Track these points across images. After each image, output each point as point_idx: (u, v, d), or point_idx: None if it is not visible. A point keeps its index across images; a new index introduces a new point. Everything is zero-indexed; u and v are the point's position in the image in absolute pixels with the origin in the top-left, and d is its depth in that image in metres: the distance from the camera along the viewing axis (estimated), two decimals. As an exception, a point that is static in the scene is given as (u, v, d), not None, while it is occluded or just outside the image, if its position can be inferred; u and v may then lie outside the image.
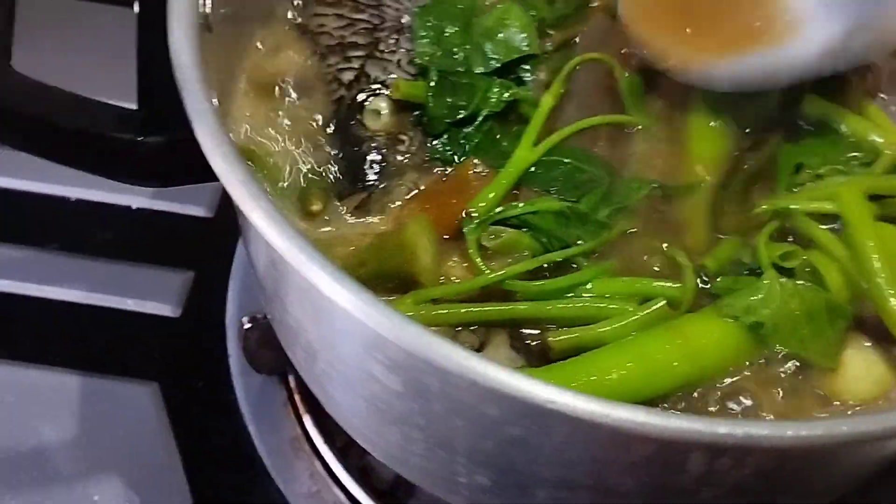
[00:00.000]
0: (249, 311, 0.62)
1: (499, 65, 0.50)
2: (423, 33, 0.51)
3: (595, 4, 0.55)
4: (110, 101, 0.36)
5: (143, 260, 0.67)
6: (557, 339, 0.43)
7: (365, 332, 0.36)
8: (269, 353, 0.62)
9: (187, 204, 0.70)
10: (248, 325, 0.59)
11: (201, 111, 0.36)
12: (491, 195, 0.47)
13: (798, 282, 0.45)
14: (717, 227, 0.47)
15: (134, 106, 0.37)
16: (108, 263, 0.66)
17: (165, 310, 0.66)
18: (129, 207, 0.69)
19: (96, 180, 0.68)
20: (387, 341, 0.34)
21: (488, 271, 0.45)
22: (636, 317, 0.43)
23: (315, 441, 0.62)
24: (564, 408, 0.31)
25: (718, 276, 0.46)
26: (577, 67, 0.50)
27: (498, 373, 0.31)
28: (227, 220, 0.68)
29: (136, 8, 0.40)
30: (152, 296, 0.66)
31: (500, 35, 0.51)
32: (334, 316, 0.37)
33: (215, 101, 0.38)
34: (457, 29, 0.51)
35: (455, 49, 0.51)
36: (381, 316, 0.33)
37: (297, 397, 0.63)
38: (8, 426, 0.60)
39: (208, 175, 0.37)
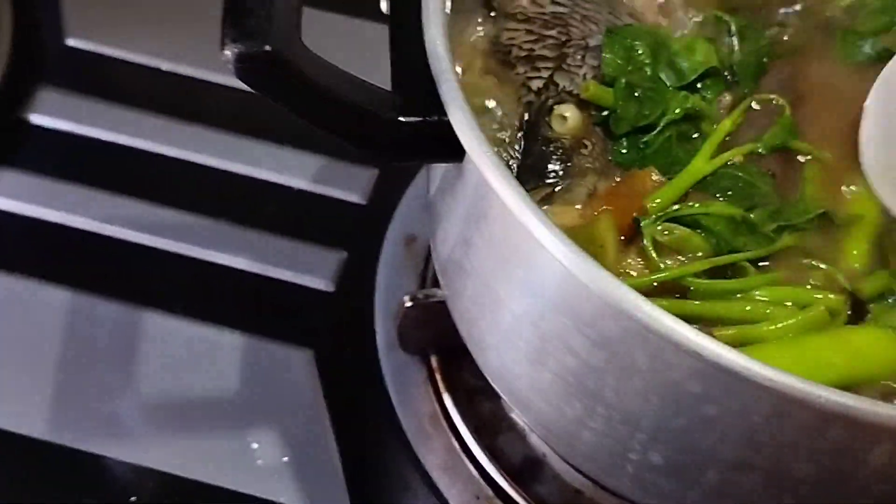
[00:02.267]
0: (406, 291, 0.67)
1: (685, 81, 0.55)
2: (615, 48, 0.56)
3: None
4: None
5: (301, 237, 0.73)
6: (721, 333, 0.47)
7: (583, 306, 0.40)
8: (419, 332, 0.67)
9: (343, 190, 0.75)
10: (409, 304, 0.64)
11: (455, 98, 0.41)
12: (667, 194, 0.51)
13: None
14: (881, 261, 0.51)
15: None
16: (270, 236, 0.72)
17: (321, 284, 0.71)
18: (290, 188, 0.75)
19: (265, 160, 0.76)
20: (605, 316, 0.39)
21: (665, 266, 0.49)
22: (797, 318, 0.47)
23: (453, 419, 0.67)
24: (782, 386, 0.35)
25: (871, 302, 0.50)
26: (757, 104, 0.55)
27: (723, 350, 0.35)
28: (379, 207, 0.74)
29: (385, 8, 0.46)
30: (309, 270, 0.71)
31: (686, 57, 0.55)
32: (553, 289, 0.42)
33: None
34: (647, 48, 0.55)
35: (643, 65, 0.55)
36: (618, 290, 0.37)
37: (437, 376, 0.68)
38: (178, 376, 0.66)
39: (455, 155, 0.41)
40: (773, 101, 0.56)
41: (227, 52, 0.37)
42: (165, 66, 0.79)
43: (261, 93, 0.39)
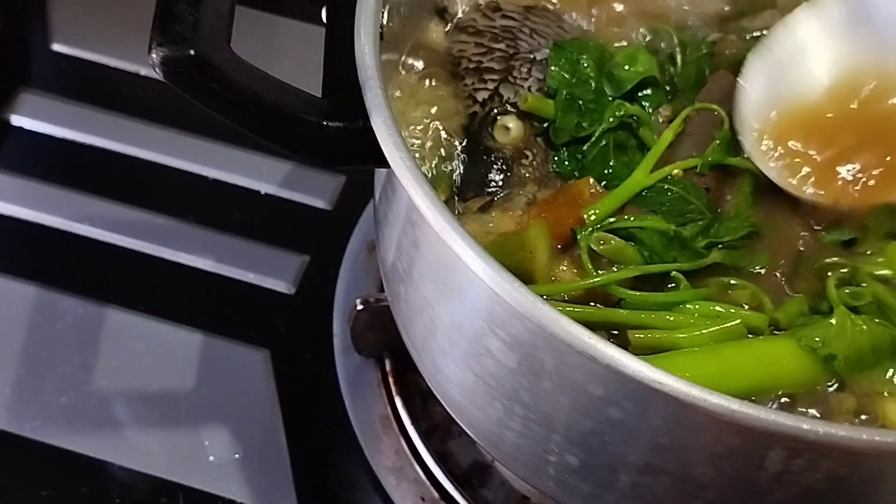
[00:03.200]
0: (360, 296, 0.68)
1: (624, 90, 0.56)
2: (561, 61, 0.57)
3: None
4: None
5: (266, 240, 0.75)
6: (637, 335, 0.48)
7: (494, 309, 0.42)
8: (372, 335, 0.68)
9: (310, 195, 0.77)
10: (360, 307, 0.65)
11: (379, 106, 0.43)
12: (605, 206, 0.53)
13: (865, 317, 0.50)
14: (792, 285, 0.52)
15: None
16: (235, 239, 0.74)
17: (282, 286, 0.73)
18: (258, 192, 0.77)
19: (232, 164, 0.78)
20: (512, 319, 0.40)
21: (597, 275, 0.50)
22: (715, 328, 0.48)
23: (404, 422, 0.68)
24: (669, 389, 0.36)
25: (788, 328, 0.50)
26: (696, 113, 0.56)
27: (615, 353, 0.37)
28: (343, 213, 0.76)
29: (325, 16, 0.47)
30: (271, 273, 0.73)
31: (626, 67, 0.57)
32: (469, 293, 0.43)
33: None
34: (592, 61, 0.57)
35: (588, 78, 0.57)
36: (519, 293, 0.38)
37: (390, 380, 0.69)
38: (137, 371, 0.68)
39: (377, 161, 0.43)
40: (715, 112, 0.57)
41: (153, 56, 0.39)
42: (144, 70, 0.82)
43: (187, 96, 0.40)
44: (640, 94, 0.57)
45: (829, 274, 0.52)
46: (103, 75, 0.83)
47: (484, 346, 0.44)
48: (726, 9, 0.63)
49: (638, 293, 0.50)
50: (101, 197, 0.75)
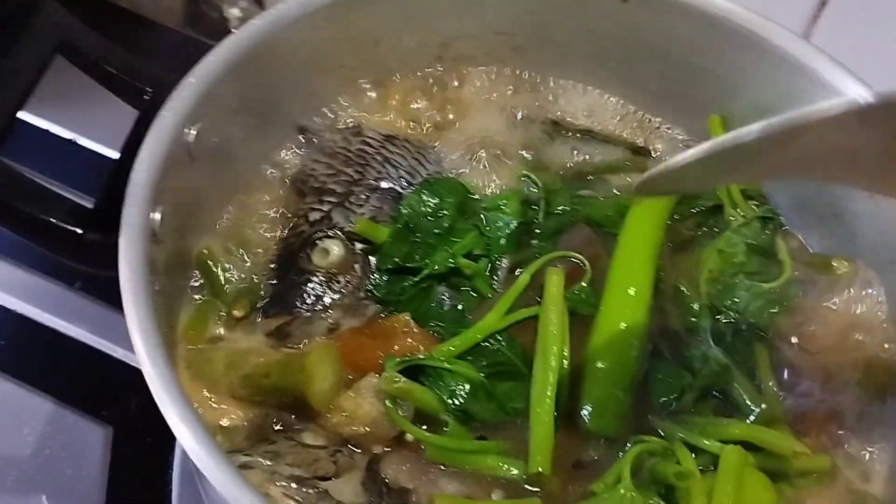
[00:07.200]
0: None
1: (490, 235, 0.58)
2: (423, 193, 0.59)
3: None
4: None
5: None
6: (441, 499, 0.49)
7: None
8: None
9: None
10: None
11: (132, 224, 0.45)
12: (452, 347, 0.54)
13: (651, 500, 0.49)
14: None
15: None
16: (102, 306, 0.75)
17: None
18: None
19: None
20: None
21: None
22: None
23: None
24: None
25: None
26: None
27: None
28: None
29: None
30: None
31: (490, 213, 0.59)
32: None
33: (157, 216, 0.46)
34: (453, 203, 0.59)
35: (444, 217, 0.58)
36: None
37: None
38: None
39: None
40: (579, 262, 0.58)
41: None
42: None
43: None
44: (498, 235, 0.59)
45: (628, 446, 0.52)
46: None
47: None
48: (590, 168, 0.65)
49: (439, 438, 0.51)
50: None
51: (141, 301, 0.42)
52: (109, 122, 0.55)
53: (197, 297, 0.55)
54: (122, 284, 0.43)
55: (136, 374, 0.71)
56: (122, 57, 0.49)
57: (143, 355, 0.42)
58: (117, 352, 0.75)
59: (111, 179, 0.47)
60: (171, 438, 0.68)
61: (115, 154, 0.51)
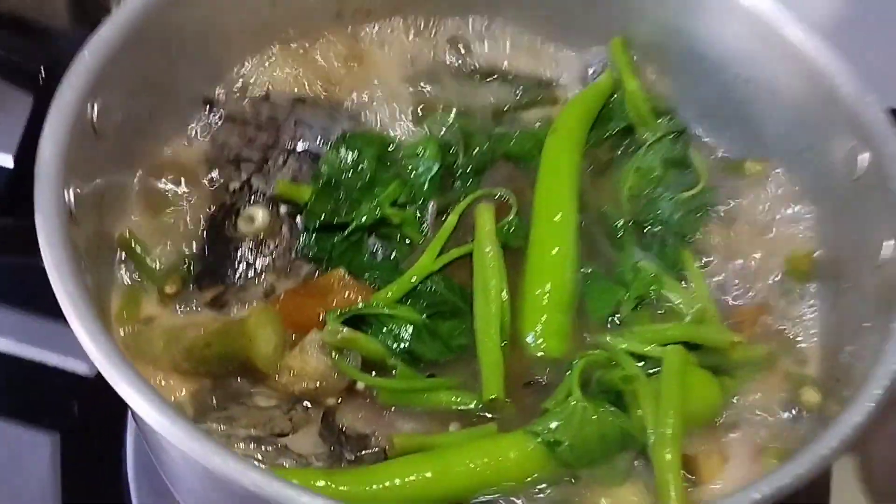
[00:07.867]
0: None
1: (411, 181, 0.58)
2: (341, 149, 0.58)
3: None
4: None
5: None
6: (399, 438, 0.50)
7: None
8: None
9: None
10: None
11: (48, 202, 0.43)
12: (390, 293, 0.54)
13: (602, 407, 0.51)
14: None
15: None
16: (35, 318, 0.74)
17: (81, 368, 0.72)
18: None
19: None
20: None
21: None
22: (463, 432, 0.51)
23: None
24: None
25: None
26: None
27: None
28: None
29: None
30: (70, 353, 0.73)
31: (410, 161, 0.59)
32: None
33: (71, 195, 0.45)
34: (372, 154, 0.58)
35: (363, 170, 0.58)
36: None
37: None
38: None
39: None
40: (504, 197, 0.58)
41: None
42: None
43: None
44: (420, 181, 0.59)
45: (574, 363, 0.53)
46: None
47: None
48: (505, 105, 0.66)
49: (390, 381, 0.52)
50: None
51: (66, 274, 0.42)
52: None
53: (126, 279, 0.54)
54: (45, 263, 0.42)
55: (74, 379, 0.71)
56: (9, 42, 0.48)
57: (82, 332, 0.41)
58: (48, 357, 0.73)
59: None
60: (121, 432, 0.69)
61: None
